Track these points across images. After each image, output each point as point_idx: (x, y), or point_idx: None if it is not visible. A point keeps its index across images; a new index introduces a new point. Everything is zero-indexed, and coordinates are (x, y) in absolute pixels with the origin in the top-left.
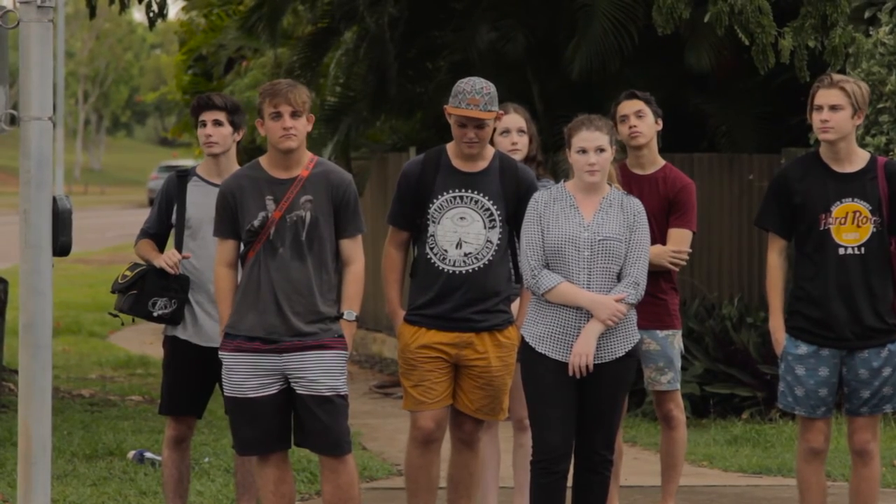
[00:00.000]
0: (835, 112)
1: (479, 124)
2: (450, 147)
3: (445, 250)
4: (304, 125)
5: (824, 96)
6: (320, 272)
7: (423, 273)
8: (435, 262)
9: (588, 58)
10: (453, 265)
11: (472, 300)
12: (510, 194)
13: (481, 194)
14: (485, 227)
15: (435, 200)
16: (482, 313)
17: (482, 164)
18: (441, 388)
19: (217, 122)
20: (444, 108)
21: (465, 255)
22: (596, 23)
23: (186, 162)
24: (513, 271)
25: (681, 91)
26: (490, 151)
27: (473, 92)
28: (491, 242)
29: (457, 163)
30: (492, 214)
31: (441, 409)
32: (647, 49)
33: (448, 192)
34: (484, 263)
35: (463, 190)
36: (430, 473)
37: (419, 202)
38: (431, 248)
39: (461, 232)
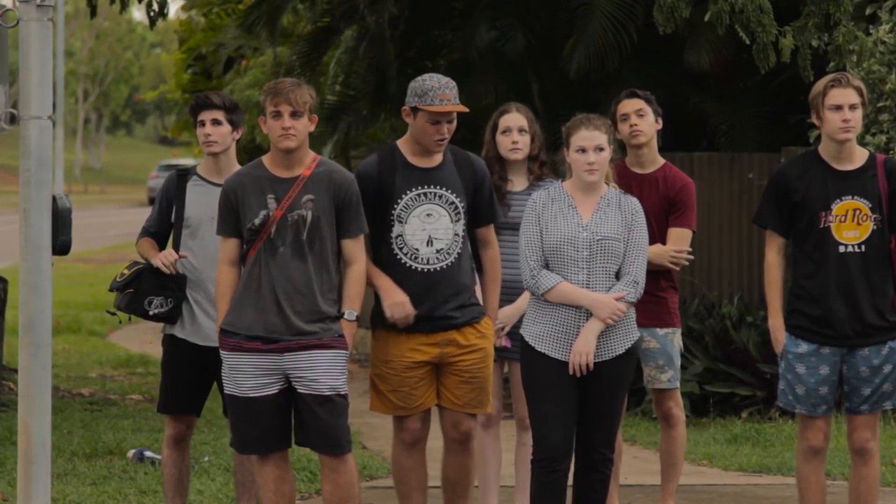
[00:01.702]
0: (854, 111)
1: (451, 119)
2: (402, 144)
3: (416, 249)
4: (304, 125)
5: (843, 96)
6: (321, 271)
7: (391, 275)
8: (407, 263)
9: (586, 56)
10: (427, 263)
11: (450, 296)
12: (468, 185)
13: (444, 188)
14: (451, 221)
15: (400, 200)
16: (459, 309)
17: (438, 159)
18: (420, 392)
19: (216, 122)
20: (404, 108)
21: (437, 251)
22: (594, 21)
23: (186, 161)
24: (472, 262)
25: (680, 90)
26: None
27: (442, 88)
28: (458, 235)
29: (414, 160)
30: (456, 207)
31: (424, 410)
32: (647, 48)
33: (412, 190)
34: (454, 258)
35: (426, 186)
36: (420, 473)
37: (380, 203)
38: (401, 249)
39: (430, 229)
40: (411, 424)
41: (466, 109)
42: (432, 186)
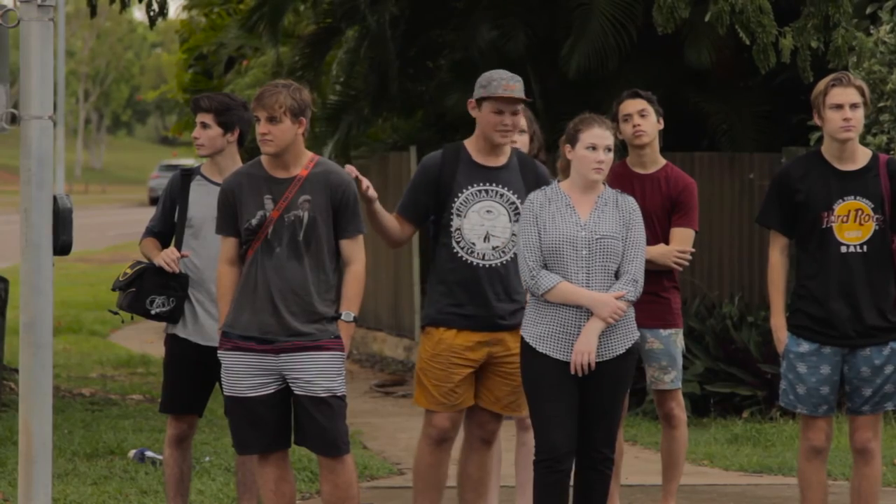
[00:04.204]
0: (855, 111)
1: (514, 111)
2: (469, 143)
3: (473, 243)
4: (284, 130)
5: (844, 95)
6: (317, 272)
7: (448, 268)
8: (463, 256)
9: (586, 56)
10: (483, 258)
11: (502, 295)
12: (531, 189)
13: (505, 188)
14: (510, 221)
15: (460, 194)
16: (512, 311)
17: (503, 159)
18: (461, 390)
19: (203, 125)
20: (470, 101)
21: (493, 248)
22: (594, 21)
23: (187, 160)
24: None
25: (681, 90)
26: (508, 148)
27: (508, 79)
28: (515, 236)
29: (478, 157)
30: (516, 208)
31: (459, 410)
32: (647, 48)
33: (472, 186)
34: (510, 257)
35: (487, 183)
36: (440, 472)
37: (438, 195)
38: (458, 242)
39: (488, 225)
40: (440, 422)
41: (530, 99)
42: (494, 185)
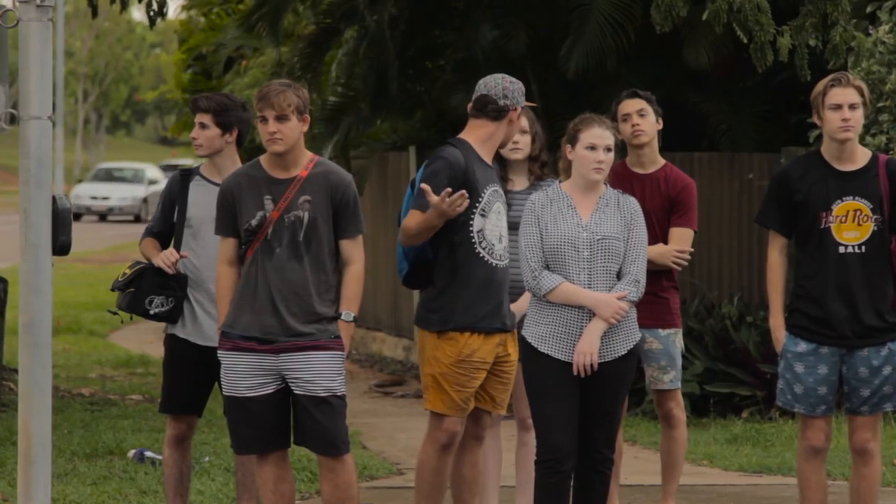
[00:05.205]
0: (854, 111)
1: None
2: (473, 140)
3: (493, 244)
4: (292, 128)
5: (843, 95)
6: (317, 272)
7: (468, 270)
8: (485, 257)
9: (584, 56)
10: (500, 259)
11: (512, 294)
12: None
13: (500, 188)
14: (507, 221)
15: (484, 193)
16: (509, 310)
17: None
18: (474, 395)
19: (202, 125)
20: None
21: (504, 248)
22: (593, 21)
23: (187, 161)
24: None
25: (680, 90)
26: None
27: None
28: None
29: (485, 157)
30: (506, 206)
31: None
32: (647, 47)
33: (490, 186)
34: (512, 256)
35: (495, 184)
36: (445, 476)
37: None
38: (480, 243)
39: (500, 226)
40: (453, 427)
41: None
42: (497, 185)
